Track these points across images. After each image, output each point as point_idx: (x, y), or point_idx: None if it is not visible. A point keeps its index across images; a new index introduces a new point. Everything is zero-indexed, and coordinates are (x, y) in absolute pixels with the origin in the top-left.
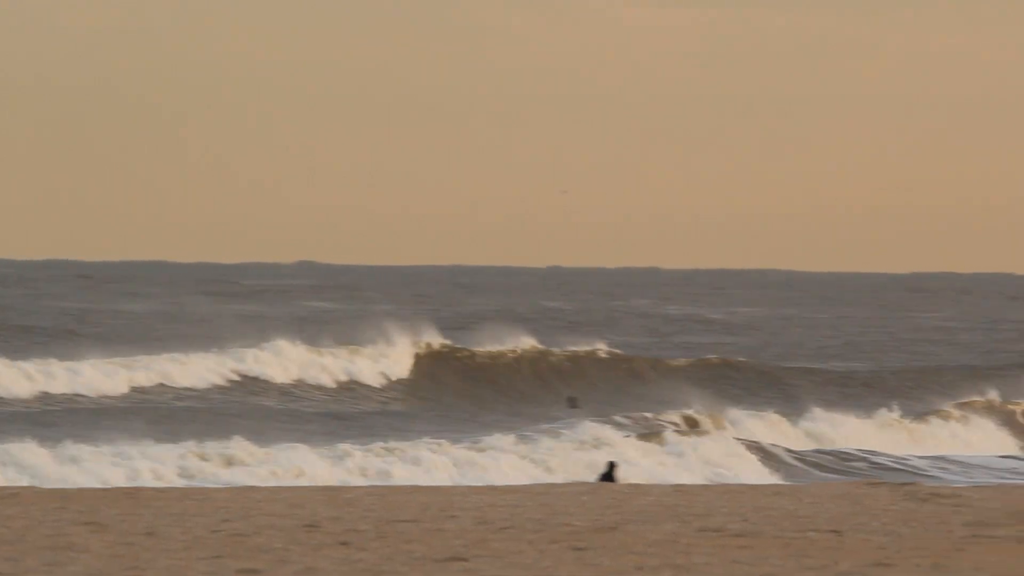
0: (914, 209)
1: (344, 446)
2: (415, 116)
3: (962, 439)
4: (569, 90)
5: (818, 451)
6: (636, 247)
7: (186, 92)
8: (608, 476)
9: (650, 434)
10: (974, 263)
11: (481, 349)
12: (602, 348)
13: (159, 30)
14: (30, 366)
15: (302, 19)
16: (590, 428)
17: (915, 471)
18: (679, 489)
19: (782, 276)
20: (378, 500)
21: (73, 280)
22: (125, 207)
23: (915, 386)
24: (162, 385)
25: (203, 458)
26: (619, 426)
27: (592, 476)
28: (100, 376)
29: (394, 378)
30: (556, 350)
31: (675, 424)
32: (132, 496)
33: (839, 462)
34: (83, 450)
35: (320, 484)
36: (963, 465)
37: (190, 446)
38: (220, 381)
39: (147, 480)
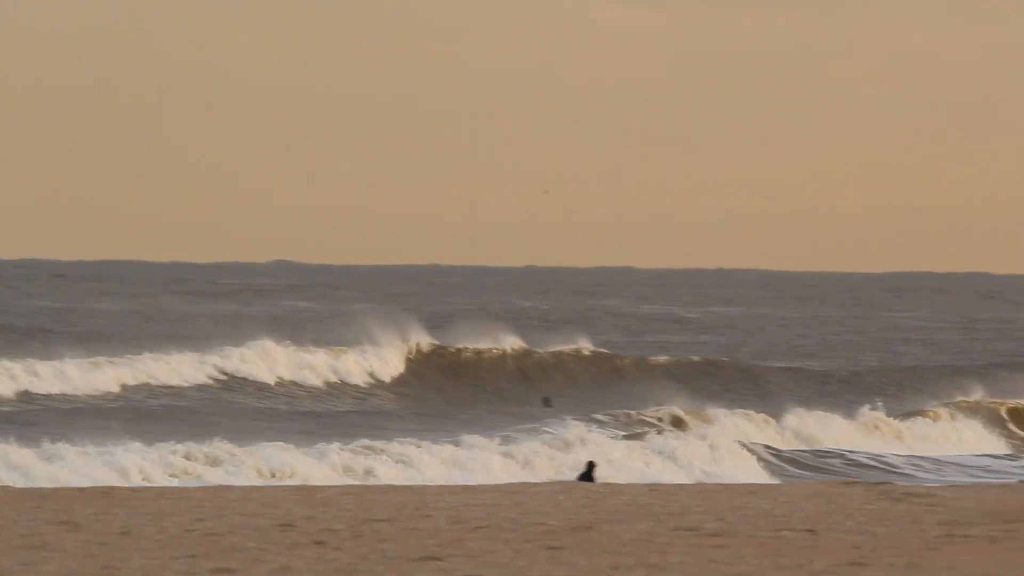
0: (889, 209)
1: (327, 445)
2: (392, 116)
3: (944, 438)
4: (546, 91)
5: (801, 450)
6: (611, 247)
7: (164, 91)
8: (587, 476)
9: (634, 433)
10: (949, 263)
11: (466, 347)
12: (586, 347)
13: (137, 29)
14: (13, 365)
15: (286, 19)
16: (574, 427)
17: (893, 470)
18: (654, 488)
19: (757, 276)
20: (353, 499)
21: (47, 279)
22: (98, 206)
23: (894, 385)
24: (146, 384)
25: (188, 457)
26: (603, 425)
27: (575, 476)
28: (82, 375)
29: (379, 377)
30: (539, 349)
31: (659, 423)
32: (107, 495)
33: (823, 461)
34: (67, 450)
35: (304, 484)
36: (949, 464)
37: (176, 446)
38: (204, 380)
39: (135, 480)
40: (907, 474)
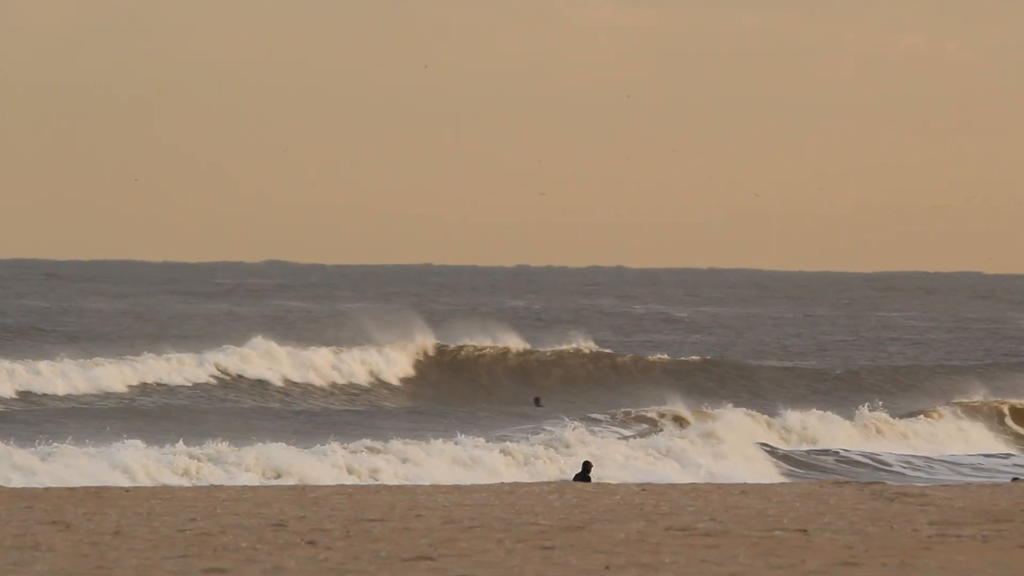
0: (881, 209)
1: (328, 445)
2: (384, 117)
3: (948, 438)
4: (538, 92)
5: (803, 450)
6: (603, 246)
7: (156, 90)
8: (584, 476)
9: (637, 432)
10: (941, 262)
11: (465, 346)
12: (587, 345)
13: (131, 28)
14: (12, 366)
15: (279, 19)
16: (574, 427)
17: (889, 469)
18: (646, 488)
19: (749, 275)
20: (345, 499)
21: (40, 279)
22: (89, 206)
23: (889, 383)
24: (145, 384)
25: (190, 457)
26: (604, 424)
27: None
28: (81, 375)
29: (380, 375)
30: (540, 348)
31: (661, 421)
32: (99, 496)
33: (825, 460)
34: (68, 449)
35: (296, 484)
36: (946, 464)
37: (177, 446)
38: (204, 380)
39: (140, 480)
40: (901, 473)
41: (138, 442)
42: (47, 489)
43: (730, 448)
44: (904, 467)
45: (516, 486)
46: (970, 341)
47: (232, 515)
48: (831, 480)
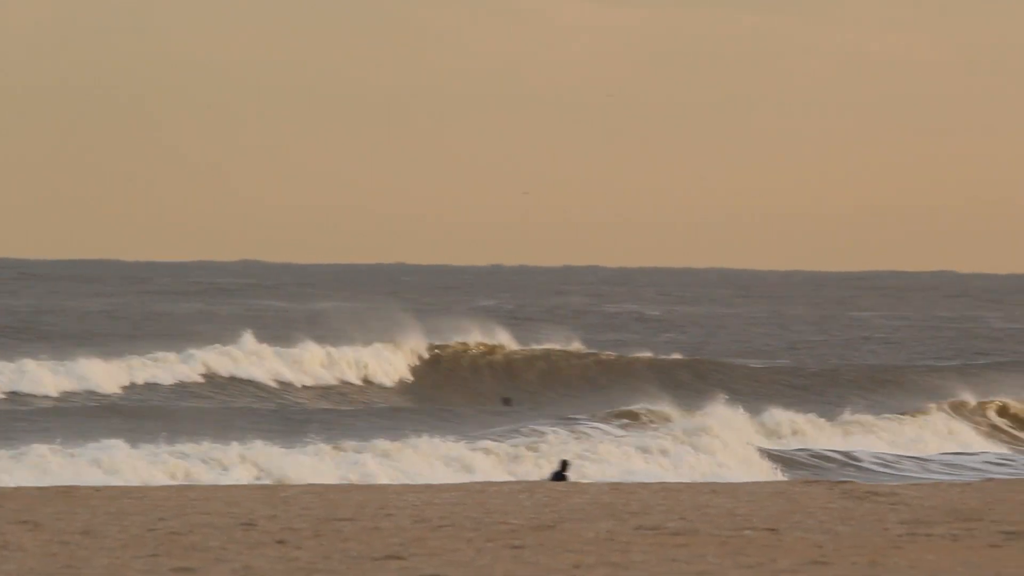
0: (856, 209)
1: (314, 443)
2: (359, 116)
3: (934, 437)
4: (514, 91)
5: (789, 449)
6: (578, 245)
7: (130, 86)
8: (560, 475)
9: (625, 431)
10: (915, 262)
11: (447, 344)
12: (573, 344)
13: (105, 25)
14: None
15: (252, 18)
16: (556, 425)
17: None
18: (616, 487)
19: (723, 274)
20: (315, 498)
21: (18, 279)
22: (61, 205)
23: (868, 381)
24: (131, 383)
25: (177, 456)
26: (591, 423)
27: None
28: (65, 373)
29: (369, 373)
30: (524, 347)
31: (649, 420)
32: (68, 495)
33: (816, 460)
34: (53, 450)
35: (267, 483)
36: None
37: (163, 445)
38: (190, 379)
39: (129, 480)
40: (892, 473)
41: (119, 441)
42: (16, 488)
43: (721, 447)
44: (894, 467)
45: (487, 485)
46: (944, 340)
47: (202, 514)
48: (801, 479)
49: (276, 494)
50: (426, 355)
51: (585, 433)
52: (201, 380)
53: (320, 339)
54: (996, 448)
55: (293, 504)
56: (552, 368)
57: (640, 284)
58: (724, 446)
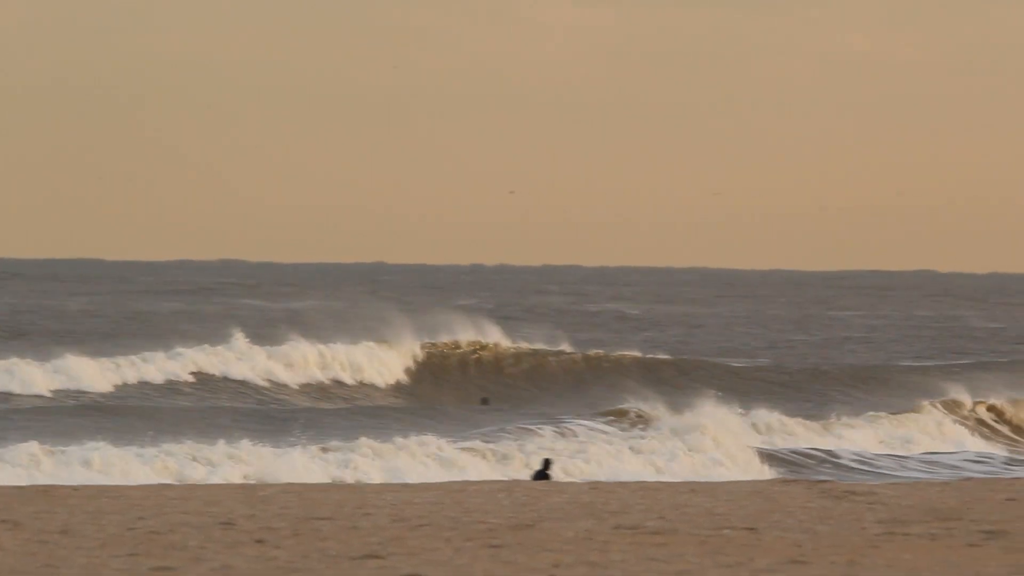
0: (836, 208)
1: (302, 443)
2: (336, 115)
3: (924, 437)
4: (493, 91)
5: (781, 448)
6: (559, 245)
7: (106, 86)
8: (543, 474)
9: (610, 428)
10: (896, 261)
11: (447, 343)
12: (562, 345)
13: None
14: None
15: (234, 17)
16: (546, 425)
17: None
18: (595, 487)
19: (704, 275)
20: (294, 498)
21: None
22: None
23: (852, 379)
24: (121, 383)
25: (167, 455)
26: (581, 423)
27: (561, 476)
28: (53, 372)
29: (360, 372)
30: (526, 344)
31: (641, 419)
32: (47, 494)
33: (806, 460)
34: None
35: (246, 483)
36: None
37: (154, 446)
38: (180, 378)
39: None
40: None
41: (103, 442)
42: None
43: (716, 446)
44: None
45: (466, 484)
46: (925, 340)
47: (181, 513)
48: (779, 478)
49: (255, 493)
50: (417, 353)
51: (574, 432)
52: (190, 379)
53: (312, 338)
54: (992, 449)
55: (272, 503)
56: (539, 366)
57: (620, 283)
58: (717, 445)
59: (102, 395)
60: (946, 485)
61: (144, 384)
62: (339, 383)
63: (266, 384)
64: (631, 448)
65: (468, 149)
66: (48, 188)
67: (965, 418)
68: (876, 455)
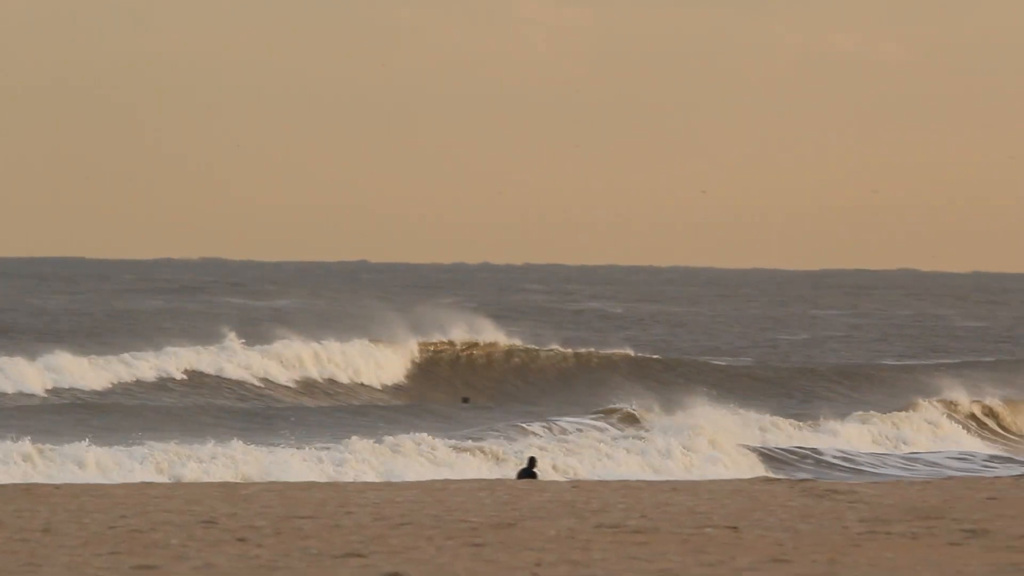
0: (817, 207)
1: (293, 443)
2: (318, 114)
3: (916, 436)
4: (477, 90)
5: (775, 448)
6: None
7: (88, 85)
8: (528, 472)
9: (604, 425)
10: (879, 260)
11: (441, 342)
12: (555, 345)
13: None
14: None
15: (234, 17)
16: (537, 427)
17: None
18: (576, 485)
19: (682, 272)
20: (276, 496)
21: None
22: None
23: (838, 375)
24: (114, 382)
25: (155, 453)
26: (572, 422)
27: (559, 476)
28: (44, 371)
29: (355, 372)
30: (519, 342)
31: (633, 419)
32: (28, 492)
33: (800, 460)
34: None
35: (227, 481)
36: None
37: (143, 445)
38: (172, 377)
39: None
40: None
41: (99, 441)
42: None
43: (711, 446)
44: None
45: (447, 483)
46: (907, 339)
47: (163, 512)
48: (761, 477)
49: (236, 492)
50: (413, 352)
51: (566, 430)
52: (182, 377)
53: (305, 337)
54: (990, 450)
55: (253, 502)
56: (528, 365)
57: (603, 282)
58: (713, 445)
59: (92, 393)
60: (927, 484)
61: (137, 383)
62: (333, 381)
63: (259, 382)
64: (626, 449)
65: (451, 149)
66: (29, 187)
67: (956, 416)
68: (859, 452)
